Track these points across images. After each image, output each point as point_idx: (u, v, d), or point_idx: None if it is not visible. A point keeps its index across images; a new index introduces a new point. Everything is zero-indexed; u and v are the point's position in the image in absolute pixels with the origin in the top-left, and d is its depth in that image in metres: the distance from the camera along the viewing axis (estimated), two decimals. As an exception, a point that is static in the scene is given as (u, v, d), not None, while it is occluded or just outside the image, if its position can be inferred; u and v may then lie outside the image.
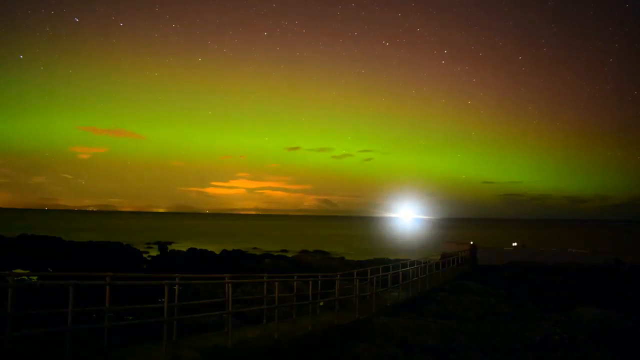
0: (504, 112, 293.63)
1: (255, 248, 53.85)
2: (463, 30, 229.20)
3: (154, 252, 45.72)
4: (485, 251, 34.02)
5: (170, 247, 51.99)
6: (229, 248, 45.06)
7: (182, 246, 51.07)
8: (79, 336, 6.15)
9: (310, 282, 11.29)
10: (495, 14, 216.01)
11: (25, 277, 17.66)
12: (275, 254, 45.16)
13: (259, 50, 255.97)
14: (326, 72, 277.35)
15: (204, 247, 45.08)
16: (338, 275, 12.96)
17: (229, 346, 7.64)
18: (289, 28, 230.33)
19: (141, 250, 45.13)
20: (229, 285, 8.30)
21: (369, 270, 15.50)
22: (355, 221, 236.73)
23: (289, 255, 43.14)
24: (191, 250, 42.46)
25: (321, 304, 12.98)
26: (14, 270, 23.11)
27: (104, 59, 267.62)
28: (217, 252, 40.52)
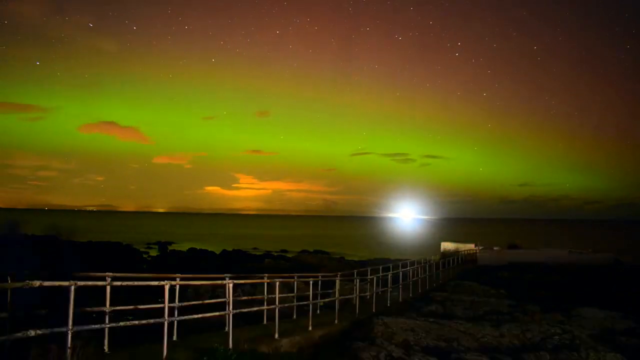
0: (520, 103, 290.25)
1: (255, 248, 53.82)
2: (476, 22, 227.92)
3: (154, 252, 45.72)
4: (485, 251, 34.04)
5: (170, 247, 52.03)
6: (229, 248, 45.09)
7: (182, 246, 51.07)
8: (79, 336, 6.15)
9: (311, 282, 11.30)
10: (508, 4, 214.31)
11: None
12: (276, 254, 45.19)
13: (271, 49, 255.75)
14: (339, 68, 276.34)
15: (204, 247, 45.13)
16: (338, 275, 12.97)
17: (229, 346, 7.64)
18: (300, 26, 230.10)
19: (141, 250, 45.16)
20: (229, 285, 8.30)
21: (369, 270, 15.51)
22: (356, 221, 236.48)
23: (289, 255, 43.17)
24: (191, 250, 42.50)
25: (321, 304, 12.98)
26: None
27: (118, 62, 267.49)
28: (217, 252, 40.55)
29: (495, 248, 35.62)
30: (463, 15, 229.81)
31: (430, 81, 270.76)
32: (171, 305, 7.43)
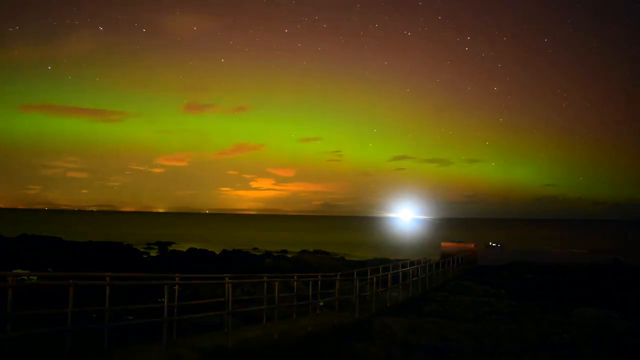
0: (531, 96, 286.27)
1: (255, 248, 53.80)
2: (485, 15, 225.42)
3: (154, 252, 45.72)
4: (486, 251, 34.06)
5: (170, 248, 52.04)
6: (229, 248, 45.08)
7: (182, 246, 51.07)
8: (79, 336, 6.15)
9: (310, 282, 11.30)
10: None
11: (25, 277, 17.66)
12: (276, 254, 45.17)
13: (280, 48, 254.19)
14: (348, 65, 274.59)
15: (204, 247, 45.12)
16: (338, 275, 12.98)
17: (229, 346, 7.65)
18: (309, 24, 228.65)
19: (141, 250, 45.18)
20: (229, 285, 8.31)
21: (369, 270, 15.51)
22: (356, 222, 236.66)
23: (289, 255, 43.15)
24: (191, 250, 42.49)
25: (321, 304, 12.99)
26: (14, 270, 23.08)
27: (128, 65, 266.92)
28: (217, 252, 40.55)
29: (495, 248, 35.66)
30: (472, 9, 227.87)
31: (440, 76, 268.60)
32: (171, 304, 7.43)
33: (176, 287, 8.38)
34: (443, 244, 38.73)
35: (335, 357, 8.88)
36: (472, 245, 36.27)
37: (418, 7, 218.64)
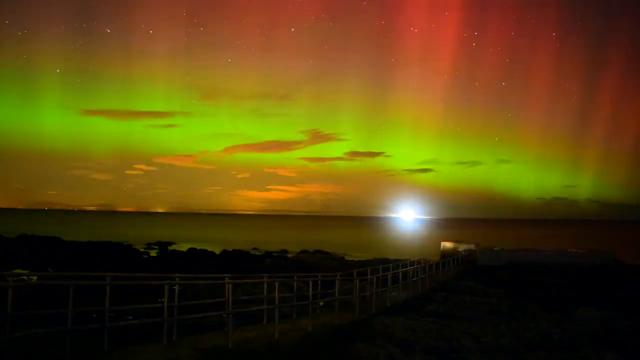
0: (540, 91, 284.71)
1: (255, 248, 53.78)
2: (492, 10, 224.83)
3: (154, 252, 45.72)
4: (486, 251, 34.03)
5: (170, 248, 52.03)
6: (229, 248, 45.10)
7: (182, 246, 51.07)
8: (79, 336, 6.16)
9: (310, 282, 11.29)
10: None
11: (25, 277, 17.65)
12: (276, 254, 45.18)
13: (286, 47, 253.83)
14: (355, 63, 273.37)
15: (204, 247, 45.12)
16: (338, 275, 12.97)
17: (229, 346, 7.64)
18: (315, 22, 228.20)
19: (141, 250, 45.18)
20: (229, 285, 8.31)
21: (369, 270, 15.50)
22: (358, 222, 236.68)
23: (289, 255, 43.17)
24: (191, 250, 42.50)
25: (321, 304, 12.99)
26: (14, 270, 23.08)
27: (136, 67, 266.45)
28: (217, 252, 40.56)
29: (495, 248, 35.62)
30: (479, 4, 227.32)
31: (447, 72, 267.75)
32: (171, 305, 7.43)
33: (176, 287, 8.39)
34: (443, 243, 38.69)
35: (336, 357, 8.87)
36: (472, 246, 36.25)
37: (424, 3, 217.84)
